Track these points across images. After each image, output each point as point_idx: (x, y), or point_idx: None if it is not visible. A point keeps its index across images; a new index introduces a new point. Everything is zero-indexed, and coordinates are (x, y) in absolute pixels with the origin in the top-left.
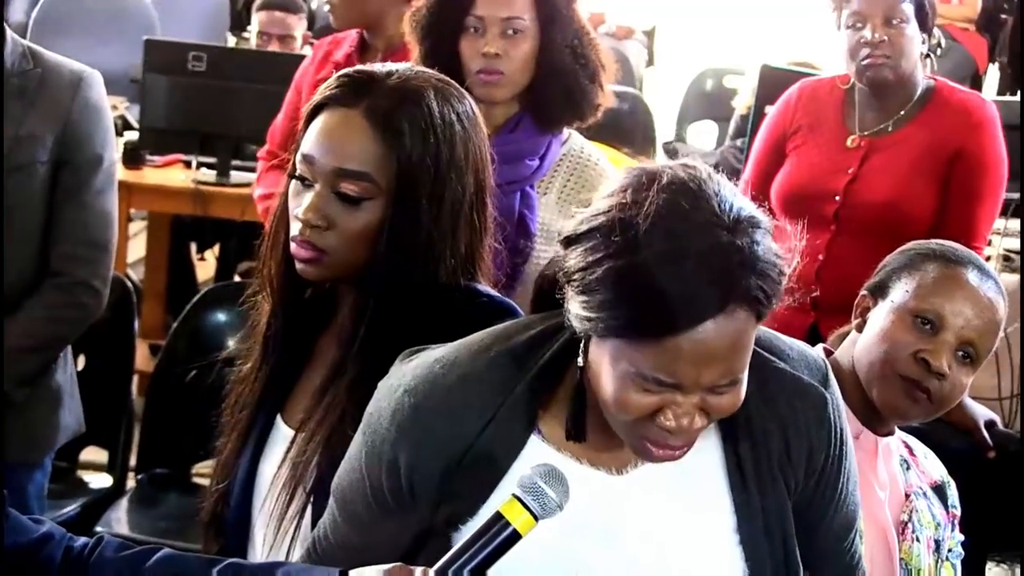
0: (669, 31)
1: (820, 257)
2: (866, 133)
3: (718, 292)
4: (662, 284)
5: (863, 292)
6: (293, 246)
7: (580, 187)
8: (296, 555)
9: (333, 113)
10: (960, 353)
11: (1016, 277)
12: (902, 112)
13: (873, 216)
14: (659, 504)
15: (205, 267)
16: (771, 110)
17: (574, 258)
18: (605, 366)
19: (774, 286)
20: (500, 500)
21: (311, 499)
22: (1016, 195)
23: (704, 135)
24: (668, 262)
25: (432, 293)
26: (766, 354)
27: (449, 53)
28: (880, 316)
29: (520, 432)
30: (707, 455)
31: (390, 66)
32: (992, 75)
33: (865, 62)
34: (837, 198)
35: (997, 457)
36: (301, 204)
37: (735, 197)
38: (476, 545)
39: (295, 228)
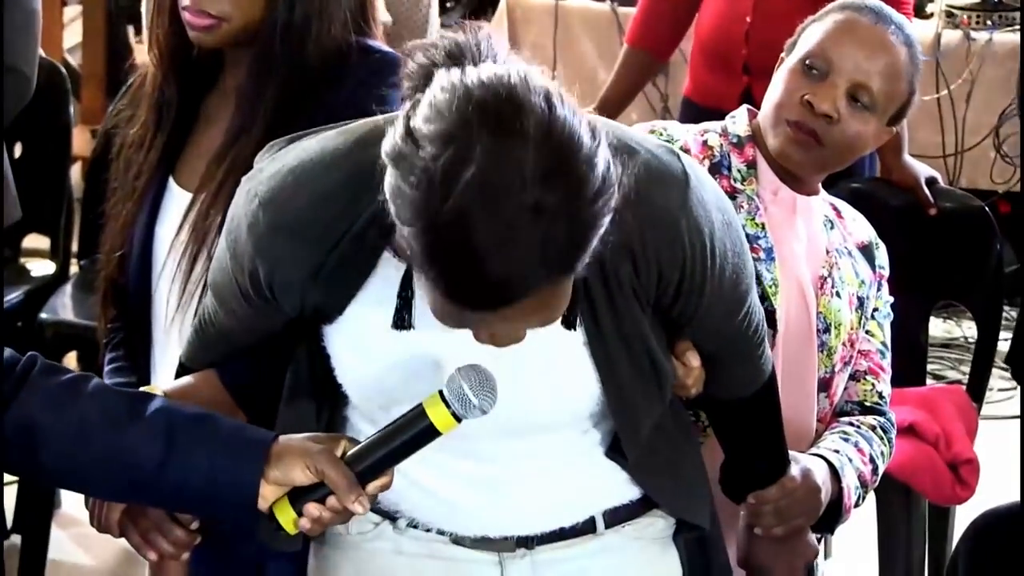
0: None
1: (747, 20)
2: None
3: (517, 283)
4: (457, 270)
5: (782, 54)
6: (187, 16)
7: None
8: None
9: None
10: (854, 99)
11: (958, 33)
12: None
13: None
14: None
15: (143, 50)
16: None
17: (389, 180)
18: (421, 282)
19: (595, 244)
20: (363, 304)
21: None
22: None
23: None
24: (466, 252)
25: (328, 51)
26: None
27: None
28: (782, 69)
29: (371, 250)
30: None
31: None
32: None
33: None
34: None
35: (938, 213)
36: None
37: (564, 147)
38: (394, 436)
39: None
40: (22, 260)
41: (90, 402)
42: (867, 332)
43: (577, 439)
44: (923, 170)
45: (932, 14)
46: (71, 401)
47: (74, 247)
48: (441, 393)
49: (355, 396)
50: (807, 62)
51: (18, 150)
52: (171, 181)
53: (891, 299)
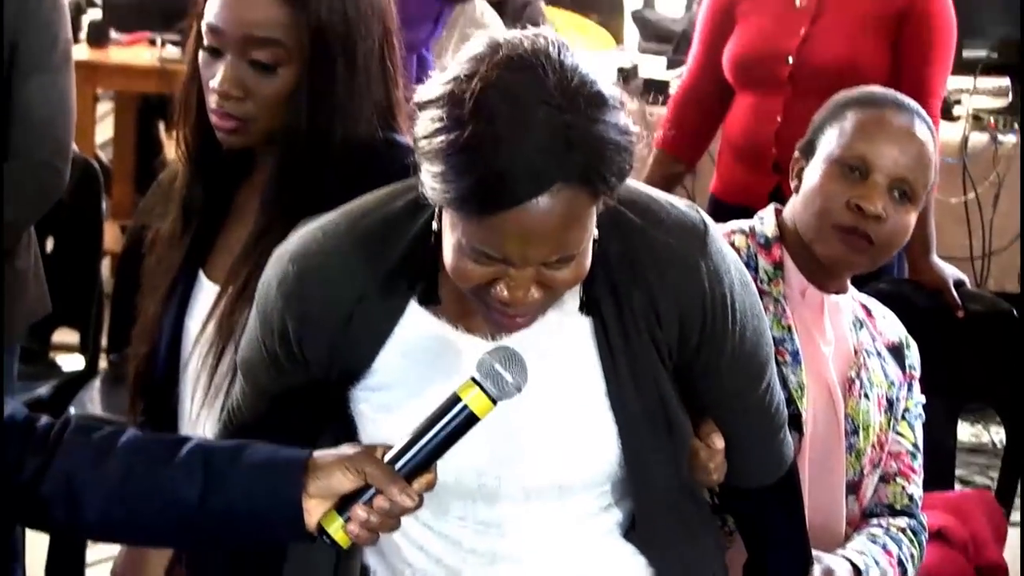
0: None
1: (777, 119)
2: None
3: (537, 173)
4: (480, 162)
5: (795, 155)
6: (213, 118)
7: None
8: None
9: None
10: (895, 193)
11: (986, 136)
12: None
13: (827, 76)
14: (532, 369)
15: (174, 145)
16: None
17: (419, 124)
18: (446, 233)
19: (614, 165)
20: (391, 353)
21: None
22: (982, 53)
23: (673, 1)
24: (488, 140)
25: (354, 149)
26: (638, 220)
27: None
28: (812, 173)
29: (399, 298)
30: (575, 320)
31: None
32: None
33: None
34: (790, 60)
35: (966, 316)
36: (215, 75)
37: (580, 73)
38: (432, 430)
39: (212, 100)
40: (52, 354)
41: (127, 452)
42: (897, 433)
43: (596, 516)
44: (951, 272)
45: (959, 117)
46: (108, 454)
47: (104, 342)
48: (473, 378)
49: None
50: (844, 164)
51: (50, 244)
52: (201, 274)
53: (923, 399)
